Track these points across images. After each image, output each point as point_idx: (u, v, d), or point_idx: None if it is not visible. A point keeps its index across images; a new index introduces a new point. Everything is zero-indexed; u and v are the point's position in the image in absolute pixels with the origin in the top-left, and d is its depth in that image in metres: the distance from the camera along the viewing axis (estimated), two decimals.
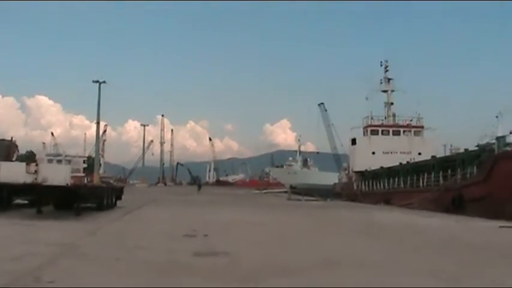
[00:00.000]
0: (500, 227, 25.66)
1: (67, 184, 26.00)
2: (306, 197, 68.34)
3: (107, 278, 10.79)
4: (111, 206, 34.76)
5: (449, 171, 47.08)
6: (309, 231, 22.31)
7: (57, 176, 26.13)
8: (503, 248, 17.95)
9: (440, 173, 48.66)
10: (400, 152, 72.32)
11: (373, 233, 22.39)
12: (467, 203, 40.77)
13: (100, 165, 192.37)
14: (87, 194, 29.98)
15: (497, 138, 40.88)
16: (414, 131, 76.93)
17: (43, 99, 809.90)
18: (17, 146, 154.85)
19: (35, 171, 26.22)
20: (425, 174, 52.43)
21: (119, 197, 38.27)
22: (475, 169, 42.38)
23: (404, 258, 14.66)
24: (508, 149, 39.56)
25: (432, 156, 58.61)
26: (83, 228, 21.25)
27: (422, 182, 53.06)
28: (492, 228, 25.23)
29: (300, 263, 13.34)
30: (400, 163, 63.20)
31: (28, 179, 26.36)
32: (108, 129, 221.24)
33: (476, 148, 48.33)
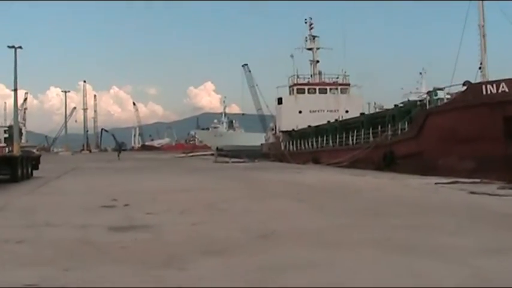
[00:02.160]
0: (436, 183, 24.66)
1: None
2: (233, 159, 66.84)
3: None
4: (27, 176, 32.37)
5: (379, 128, 46.18)
6: (239, 197, 20.48)
7: None
8: (447, 208, 16.55)
9: (370, 130, 47.78)
10: (327, 111, 71.84)
11: (308, 196, 20.76)
12: (399, 160, 40.04)
13: (22, 134, 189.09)
14: None
15: (429, 93, 40.09)
16: (341, 89, 76.35)
17: None
18: None
19: None
20: (355, 132, 51.59)
21: (35, 167, 35.89)
22: (406, 125, 41.49)
23: (347, 224, 13.05)
24: (439, 103, 38.81)
25: (361, 113, 58.02)
26: None
27: (352, 140, 52.19)
28: (429, 186, 24.04)
29: (233, 236, 11.58)
30: (328, 121, 62.31)
31: None
32: (30, 97, 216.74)
33: (406, 102, 47.79)
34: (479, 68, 38.42)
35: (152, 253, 9.93)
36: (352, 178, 30.49)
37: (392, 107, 50.81)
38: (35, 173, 34.96)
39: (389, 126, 44.56)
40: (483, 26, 38.32)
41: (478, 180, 25.85)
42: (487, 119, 32.77)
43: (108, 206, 17.53)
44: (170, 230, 12.67)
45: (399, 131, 42.66)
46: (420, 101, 44.07)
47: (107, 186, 27.27)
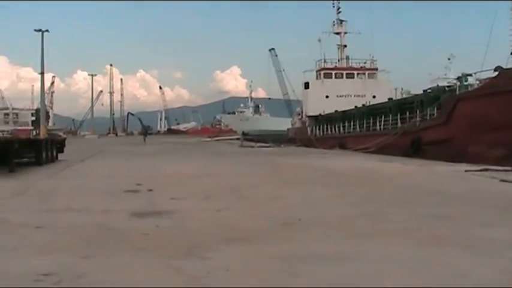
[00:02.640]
0: (466, 171, 24.12)
1: None
2: (258, 144, 66.51)
3: (8, 258, 8.50)
4: (52, 159, 32.26)
5: (407, 113, 45.55)
6: (265, 182, 20.13)
7: None
8: (478, 197, 16.05)
9: (398, 116, 47.16)
10: (355, 95, 71.45)
11: (334, 182, 20.32)
12: (427, 147, 39.47)
13: (49, 117, 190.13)
14: (21, 148, 27.44)
15: (459, 78, 39.36)
16: (368, 74, 75.77)
17: None
18: None
19: None
20: (382, 117, 51.01)
21: (60, 150, 35.81)
22: (435, 111, 40.83)
23: (375, 212, 12.61)
24: (469, 89, 38.12)
25: (389, 99, 57.55)
26: (11, 187, 18.76)
27: (379, 126, 51.66)
28: (459, 173, 23.49)
29: (258, 224, 11.23)
30: (356, 106, 61.78)
31: None
32: (57, 80, 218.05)
33: (434, 87, 47.09)
34: (511, 53, 37.63)
35: (174, 241, 9.60)
36: (379, 164, 29.96)
37: (420, 92, 50.21)
38: (60, 156, 34.89)
39: (417, 112, 43.95)
40: None
41: (510, 168, 25.26)
42: None
43: (131, 190, 17.24)
44: (193, 216, 12.35)
45: (428, 117, 42.04)
46: (449, 86, 43.42)
47: (131, 170, 27.06)
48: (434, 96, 42.93)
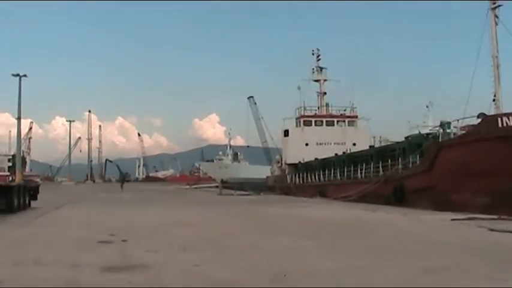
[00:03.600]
0: (453, 219, 23.45)
1: None
2: (238, 192, 65.58)
3: None
4: (24, 207, 31.13)
5: (389, 161, 44.85)
6: (245, 232, 19.22)
7: None
8: (471, 247, 15.29)
9: (380, 164, 46.43)
10: (334, 143, 70.77)
11: (318, 232, 19.40)
12: (409, 194, 38.74)
13: (26, 163, 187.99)
14: None
15: (442, 125, 38.77)
16: (348, 121, 75.21)
17: None
18: None
19: None
20: (364, 165, 50.23)
21: (34, 197, 34.67)
22: (417, 158, 40.18)
23: (366, 266, 11.76)
24: (452, 136, 37.56)
25: (370, 146, 56.85)
26: None
27: (360, 173, 50.83)
28: (445, 222, 22.81)
29: (241, 280, 10.32)
30: (336, 154, 61.10)
31: None
32: (35, 126, 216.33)
33: (415, 135, 46.60)
34: (493, 100, 37.21)
35: None
36: (362, 213, 29.18)
37: (397, 140, 49.69)
38: (34, 203, 33.79)
39: (399, 159, 43.22)
40: (496, 57, 37.21)
41: (496, 216, 24.62)
42: (503, 153, 31.43)
43: (105, 241, 16.28)
44: (170, 271, 11.40)
45: (410, 165, 41.32)
46: (428, 134, 42.94)
47: (106, 218, 26.07)
48: (416, 144, 42.25)
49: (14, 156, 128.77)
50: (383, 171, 45.77)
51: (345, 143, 69.76)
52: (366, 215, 27.72)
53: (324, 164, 62.66)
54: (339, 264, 12.13)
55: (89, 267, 11.69)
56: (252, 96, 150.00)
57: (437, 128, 40.37)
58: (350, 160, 55.54)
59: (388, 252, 13.94)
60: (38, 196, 36.20)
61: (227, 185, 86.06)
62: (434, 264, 11.99)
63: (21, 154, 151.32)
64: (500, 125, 32.11)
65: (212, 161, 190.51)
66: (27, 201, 32.31)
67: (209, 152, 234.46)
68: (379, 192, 42.34)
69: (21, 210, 29.58)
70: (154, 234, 18.74)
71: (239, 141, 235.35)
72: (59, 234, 18.56)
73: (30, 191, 34.17)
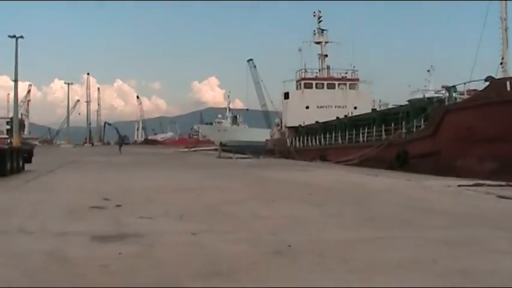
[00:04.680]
0: (459, 186, 22.59)
1: None
2: (237, 155, 64.73)
3: None
4: (18, 170, 30.26)
5: (392, 125, 43.92)
6: (246, 198, 18.30)
7: None
8: (483, 216, 14.43)
9: (383, 128, 45.51)
10: (335, 106, 70.05)
11: (321, 198, 18.46)
12: (413, 159, 37.89)
13: (24, 126, 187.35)
14: None
15: (448, 89, 37.81)
16: (349, 84, 74.31)
17: None
18: None
19: None
20: (366, 129, 49.30)
21: (28, 160, 33.78)
22: (422, 123, 39.25)
23: (375, 237, 10.87)
24: (458, 100, 36.60)
25: (372, 109, 55.96)
26: None
27: (362, 137, 49.95)
28: (452, 188, 21.96)
29: (241, 252, 9.44)
30: (337, 117, 60.17)
31: None
32: (34, 89, 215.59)
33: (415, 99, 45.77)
34: (501, 63, 36.25)
35: (138, 276, 7.80)
36: (365, 178, 28.33)
37: (397, 105, 48.83)
38: (28, 166, 32.93)
39: (403, 123, 42.31)
40: (505, 19, 36.19)
41: (503, 183, 23.71)
42: (511, 117, 30.49)
43: (97, 206, 15.45)
44: (165, 241, 10.52)
45: (414, 129, 40.43)
46: (433, 98, 42.06)
47: (101, 182, 25.19)
48: (420, 108, 41.36)
49: (12, 119, 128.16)
50: (386, 135, 44.93)
51: (346, 107, 69.05)
52: (368, 180, 26.85)
53: (325, 128, 61.77)
54: (347, 234, 11.26)
55: (77, 237, 10.87)
56: (251, 59, 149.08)
57: (443, 92, 39.47)
58: (351, 124, 54.69)
59: (397, 222, 13.04)
60: (34, 159, 35.41)
61: (226, 148, 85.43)
62: (450, 236, 11.13)
63: (20, 117, 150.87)
64: (509, 88, 31.15)
65: (211, 124, 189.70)
66: (20, 165, 31.40)
67: (208, 115, 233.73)
68: (382, 157, 41.54)
69: (14, 174, 28.72)
70: (150, 199, 17.87)
71: (238, 104, 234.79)
72: (50, 200, 17.62)
73: (24, 154, 33.28)
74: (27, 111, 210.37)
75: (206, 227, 12.07)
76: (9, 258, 8.92)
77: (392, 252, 9.42)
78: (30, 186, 23.25)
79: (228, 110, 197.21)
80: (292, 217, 13.76)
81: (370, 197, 18.94)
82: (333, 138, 58.05)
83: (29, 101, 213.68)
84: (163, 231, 11.57)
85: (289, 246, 9.81)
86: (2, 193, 19.67)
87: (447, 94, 37.85)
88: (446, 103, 37.10)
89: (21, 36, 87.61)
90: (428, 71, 68.14)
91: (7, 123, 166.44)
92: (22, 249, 9.68)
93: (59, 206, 15.80)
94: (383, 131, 45.55)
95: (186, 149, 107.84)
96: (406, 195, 19.83)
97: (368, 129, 49.14)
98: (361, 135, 50.43)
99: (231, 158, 60.56)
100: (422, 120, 39.38)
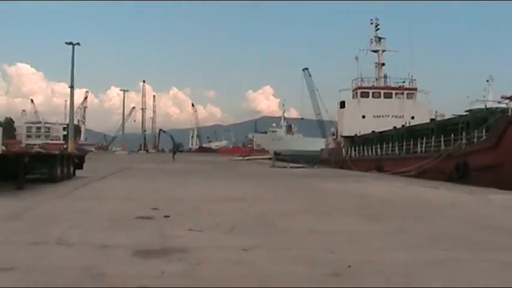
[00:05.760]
0: None
1: None
2: (291, 164, 63.78)
3: None
4: (68, 176, 29.90)
5: (451, 135, 42.52)
6: (300, 211, 17.38)
7: None
8: None
9: (442, 138, 44.13)
10: (392, 116, 68.82)
11: (380, 213, 17.37)
12: (473, 172, 36.47)
13: (80, 132, 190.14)
14: (33, 162, 25.10)
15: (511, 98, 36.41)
16: (407, 94, 72.94)
17: (24, 67, 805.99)
18: None
19: None
20: (424, 139, 47.95)
21: (79, 166, 33.47)
22: (483, 133, 37.81)
23: (445, 259, 9.82)
24: None
25: (431, 120, 54.55)
26: (9, 207, 16.49)
27: (420, 148, 48.59)
28: None
29: (295, 272, 8.55)
30: (394, 127, 58.89)
31: None
32: (91, 96, 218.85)
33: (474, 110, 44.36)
34: None
35: None
36: (425, 190, 27.16)
37: (457, 115, 47.42)
38: (81, 172, 32.64)
39: (463, 134, 40.91)
40: None
41: None
42: None
43: (144, 217, 14.70)
44: (212, 258, 9.64)
45: (475, 140, 39.01)
46: (494, 108, 40.56)
47: (152, 191, 24.59)
48: (482, 118, 39.94)
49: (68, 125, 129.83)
50: (445, 146, 43.56)
51: (403, 116, 67.68)
52: (428, 193, 25.70)
53: (381, 138, 60.60)
54: (411, 254, 10.22)
55: (119, 250, 10.09)
56: (306, 68, 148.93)
57: (506, 102, 38.06)
58: (409, 134, 53.33)
59: (468, 242, 11.91)
60: (87, 165, 35.19)
61: (280, 157, 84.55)
62: None
63: (77, 123, 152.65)
64: None
65: (266, 132, 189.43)
66: (71, 171, 31.06)
67: (263, 124, 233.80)
68: (440, 168, 40.20)
69: (65, 180, 28.35)
70: (200, 210, 17.10)
71: (293, 113, 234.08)
72: (96, 208, 16.98)
73: (76, 160, 32.97)
74: (84, 117, 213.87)
75: (258, 242, 11.21)
76: (41, 275, 8.19)
77: (465, 279, 8.41)
78: (79, 193, 22.73)
79: (282, 119, 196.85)
80: (349, 233, 12.80)
81: (432, 212, 17.79)
82: (390, 148, 56.84)
83: (85, 107, 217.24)
84: (212, 246, 10.76)
85: (349, 266, 8.89)
86: (49, 200, 19.16)
87: (511, 104, 36.43)
88: (510, 113, 35.69)
89: (78, 43, 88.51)
90: (487, 81, 66.17)
91: (63, 129, 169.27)
92: (57, 263, 8.94)
93: (105, 215, 15.10)
94: (442, 141, 44.17)
95: (240, 158, 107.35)
96: (471, 211, 18.70)
97: (426, 139, 47.81)
98: (419, 145, 49.10)
99: (285, 167, 59.74)
100: (483, 131, 37.98)
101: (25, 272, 8.33)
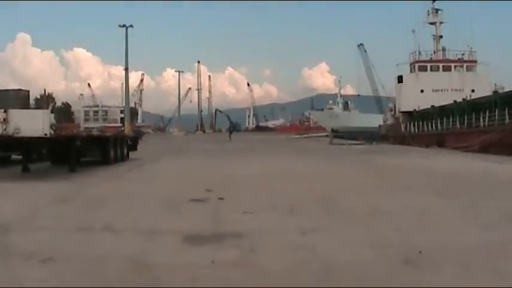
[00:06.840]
0: None
1: (45, 135, 19.97)
2: (349, 141, 62.57)
3: None
4: (122, 158, 29.44)
5: None
6: (363, 188, 16.45)
7: (32, 124, 19.94)
8: None
9: (506, 111, 42.42)
10: (452, 90, 66.92)
11: (448, 189, 16.35)
12: None
13: (138, 114, 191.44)
14: (85, 145, 24.62)
15: None
16: (466, 66, 70.74)
17: (81, 52, 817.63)
18: (53, 98, 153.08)
19: (4, 119, 19.88)
20: (487, 113, 46.22)
21: (133, 148, 32.97)
22: None
23: None
24: None
25: (494, 92, 52.60)
26: (57, 192, 15.86)
27: (483, 122, 46.89)
28: None
29: (362, 260, 7.63)
30: (455, 101, 57.10)
31: None
32: (147, 78, 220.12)
33: None
34: None
35: None
36: (491, 165, 25.83)
37: None
38: (136, 154, 32.18)
39: None
40: None
41: None
42: None
43: (198, 199, 13.90)
44: (269, 244, 8.77)
45: None
46: None
47: (206, 171, 23.96)
48: None
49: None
50: (509, 119, 41.88)
51: (463, 90, 65.79)
52: (497, 168, 24.41)
53: (441, 112, 58.91)
54: (489, 235, 9.22)
55: (168, 236, 9.36)
56: (362, 44, 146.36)
57: None
58: (471, 107, 51.62)
59: None
60: (142, 147, 34.73)
61: (338, 134, 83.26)
62: None
63: (134, 106, 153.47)
64: None
65: (322, 110, 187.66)
66: (125, 153, 30.56)
67: (319, 102, 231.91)
68: (506, 142, 38.60)
69: (118, 162, 27.88)
70: (257, 189, 16.33)
71: (349, 90, 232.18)
72: (147, 191, 16.22)
73: (129, 142, 32.47)
74: (141, 100, 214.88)
75: (319, 224, 10.34)
76: (82, 264, 7.47)
77: None
78: (131, 175, 22.16)
79: (339, 96, 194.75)
80: (418, 211, 11.83)
81: (504, 188, 16.64)
82: (451, 122, 55.20)
83: (142, 90, 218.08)
84: (269, 230, 9.93)
85: (420, 252, 7.91)
86: (101, 183, 18.63)
87: None
88: None
89: (131, 25, 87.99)
90: None
91: (121, 111, 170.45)
92: (101, 251, 8.22)
93: (157, 199, 14.36)
94: (506, 114, 42.47)
95: (298, 135, 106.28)
96: None
97: (489, 113, 46.11)
98: (481, 119, 47.44)
99: (343, 144, 58.56)
100: None
101: (65, 262, 7.63)
